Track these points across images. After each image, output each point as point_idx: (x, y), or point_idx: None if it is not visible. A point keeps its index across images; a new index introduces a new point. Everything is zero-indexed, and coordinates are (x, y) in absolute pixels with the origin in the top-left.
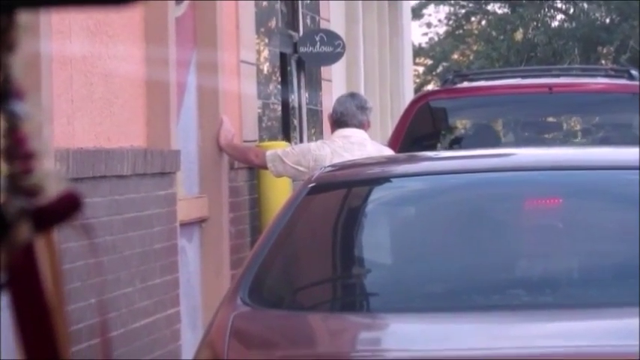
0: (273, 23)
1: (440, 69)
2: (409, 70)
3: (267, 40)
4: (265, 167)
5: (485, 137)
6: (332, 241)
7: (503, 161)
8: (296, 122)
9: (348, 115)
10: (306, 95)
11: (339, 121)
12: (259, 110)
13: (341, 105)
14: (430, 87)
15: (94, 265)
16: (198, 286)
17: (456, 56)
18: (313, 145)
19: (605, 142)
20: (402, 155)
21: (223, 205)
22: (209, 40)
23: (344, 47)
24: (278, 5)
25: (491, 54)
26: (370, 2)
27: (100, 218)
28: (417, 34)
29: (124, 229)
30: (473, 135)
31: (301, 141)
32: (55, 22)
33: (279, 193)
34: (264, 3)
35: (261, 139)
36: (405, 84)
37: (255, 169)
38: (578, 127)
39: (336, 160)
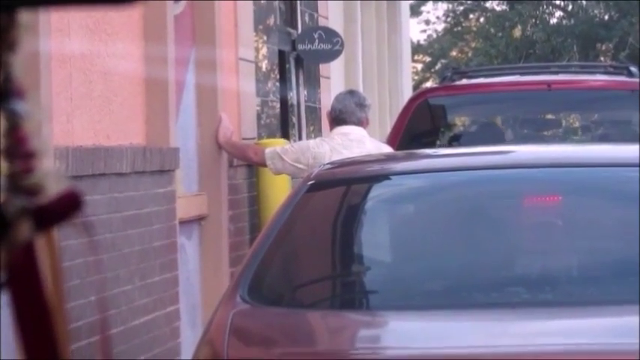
0: (271, 21)
1: (438, 66)
2: (408, 67)
3: (265, 38)
4: (264, 165)
5: (483, 134)
6: (331, 238)
7: (502, 159)
8: (295, 120)
9: (347, 112)
10: (305, 93)
11: (338, 119)
12: (258, 108)
13: (340, 102)
14: (429, 84)
15: (93, 262)
16: (198, 283)
17: (454, 53)
18: (312, 142)
19: (604, 139)
20: (400, 153)
21: (222, 203)
22: (208, 38)
23: (342, 45)
24: (276, 3)
25: (489, 51)
26: (368, 0)
27: (99, 216)
28: (416, 31)
29: (123, 226)
30: (472, 132)
31: (300, 138)
32: (54, 20)
33: (278, 191)
34: (263, 1)
35: (259, 137)
36: (404, 81)
37: (254, 166)
38: (577, 124)
39: (335, 158)
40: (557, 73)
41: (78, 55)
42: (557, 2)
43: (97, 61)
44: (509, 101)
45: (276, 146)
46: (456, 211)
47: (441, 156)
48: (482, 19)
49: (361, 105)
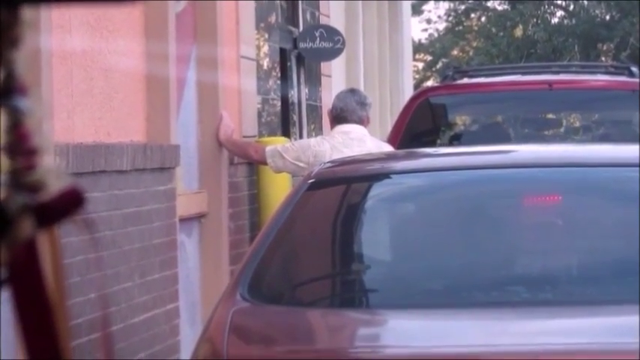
0: (272, 19)
1: (439, 65)
2: (409, 66)
3: (266, 36)
4: (265, 163)
5: (484, 134)
6: (331, 237)
7: (503, 158)
8: (295, 118)
9: (348, 111)
10: (306, 91)
11: (339, 117)
12: (259, 106)
13: (341, 101)
14: (430, 83)
15: (94, 260)
16: (198, 281)
17: (455, 52)
18: (313, 140)
19: (604, 139)
20: (401, 151)
21: (223, 201)
22: (209, 36)
23: (344, 43)
24: (278, 1)
25: (490, 50)
26: None
27: (99, 213)
28: (417, 30)
29: (123, 224)
30: (472, 131)
31: (301, 136)
32: (55, 16)
33: (279, 189)
34: None
35: (260, 135)
36: (405, 80)
37: (254, 164)
38: (577, 124)
39: (336, 156)
40: (558, 72)
41: (79, 52)
42: (559, 2)
43: (98, 58)
44: (510, 101)
45: (277, 144)
46: (456, 210)
47: (441, 155)
48: (483, 19)
49: (362, 104)
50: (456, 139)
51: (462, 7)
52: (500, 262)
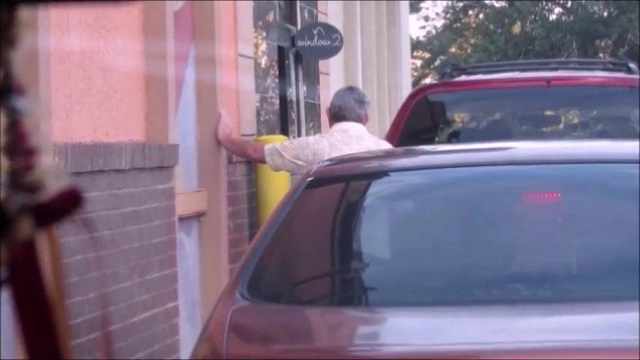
0: (271, 17)
1: (437, 62)
2: (407, 63)
3: (265, 34)
4: (263, 161)
5: (483, 131)
6: (330, 235)
7: (501, 155)
8: (294, 116)
9: (347, 109)
10: (304, 89)
11: (338, 115)
12: (257, 104)
13: (339, 99)
14: (428, 81)
15: (93, 259)
16: (197, 280)
17: (453, 49)
18: (312, 139)
19: (603, 135)
20: (400, 149)
21: (222, 199)
22: (207, 34)
23: (342, 41)
24: (275, 0)
25: (488, 47)
26: None
27: (98, 212)
28: (415, 27)
29: (122, 223)
30: (471, 129)
31: (299, 135)
32: (53, 16)
33: (278, 187)
34: None
35: (259, 133)
36: (403, 77)
37: (253, 163)
38: (576, 121)
39: (335, 154)
40: (556, 69)
41: (77, 52)
42: None
43: (96, 57)
44: (508, 98)
45: (276, 143)
46: (455, 207)
47: (440, 153)
48: (481, 16)
49: (361, 101)
50: (454, 137)
51: (460, 4)
52: (499, 260)
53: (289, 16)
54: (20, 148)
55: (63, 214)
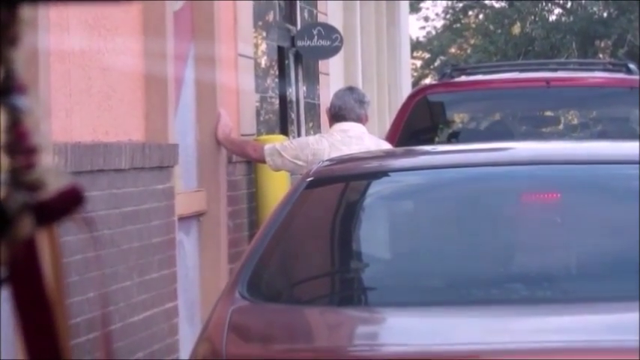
0: (270, 17)
1: (437, 63)
2: (407, 63)
3: (264, 34)
4: (263, 161)
5: (483, 131)
6: (330, 235)
7: (501, 155)
8: (294, 116)
9: (347, 109)
10: (304, 89)
11: (338, 115)
12: (257, 104)
13: (339, 99)
14: (428, 81)
15: (93, 259)
16: (196, 280)
17: (453, 50)
18: (311, 139)
19: (602, 136)
20: (400, 149)
21: (221, 199)
22: (207, 34)
23: (341, 41)
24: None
25: (488, 48)
26: None
27: (98, 212)
28: (415, 27)
29: (122, 222)
30: (470, 129)
31: (299, 135)
32: (53, 15)
33: (277, 187)
34: None
35: (259, 133)
36: (403, 78)
37: (253, 162)
38: (575, 121)
39: (334, 154)
40: (555, 70)
41: (77, 51)
42: None
43: (96, 57)
44: (508, 98)
45: (276, 143)
46: (454, 208)
47: (439, 153)
48: (481, 16)
49: (361, 102)
50: (454, 137)
51: (460, 4)
52: (499, 260)
53: (289, 16)
54: (21, 146)
55: (63, 213)
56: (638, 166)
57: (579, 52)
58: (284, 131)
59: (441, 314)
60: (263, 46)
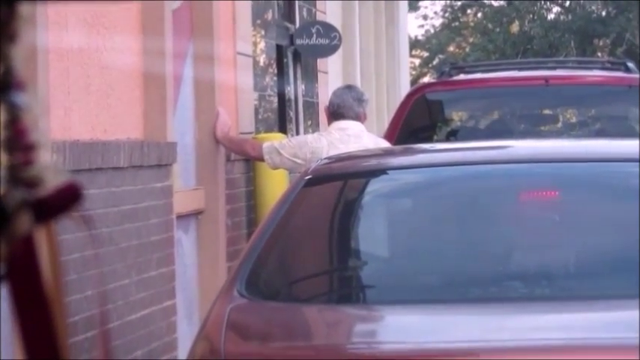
0: (269, 15)
1: (436, 61)
2: (405, 62)
3: (263, 32)
4: (262, 159)
5: (481, 129)
6: (328, 233)
7: (500, 153)
8: (292, 114)
9: (345, 107)
10: (303, 87)
11: (336, 114)
12: (255, 102)
13: (338, 97)
14: (426, 79)
15: (91, 257)
16: (195, 278)
17: (452, 48)
18: (310, 137)
19: (601, 134)
20: (398, 147)
21: (220, 198)
22: (205, 32)
23: (340, 39)
24: None
25: (487, 46)
26: None
27: (96, 210)
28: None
29: (120, 221)
30: (469, 127)
31: (297, 133)
32: (52, 13)
33: (276, 186)
34: None
35: (257, 131)
36: (401, 76)
37: (251, 161)
38: (574, 120)
39: (333, 152)
40: (554, 68)
41: (76, 49)
42: None
43: (94, 55)
44: (506, 96)
45: (274, 141)
46: (453, 205)
47: (438, 151)
48: (479, 15)
49: (359, 100)
50: (452, 135)
51: (458, 3)
52: (497, 258)
53: (288, 14)
54: (20, 143)
55: (62, 210)
56: (636, 163)
57: (578, 51)
58: (282, 129)
59: (439, 312)
60: (262, 45)
